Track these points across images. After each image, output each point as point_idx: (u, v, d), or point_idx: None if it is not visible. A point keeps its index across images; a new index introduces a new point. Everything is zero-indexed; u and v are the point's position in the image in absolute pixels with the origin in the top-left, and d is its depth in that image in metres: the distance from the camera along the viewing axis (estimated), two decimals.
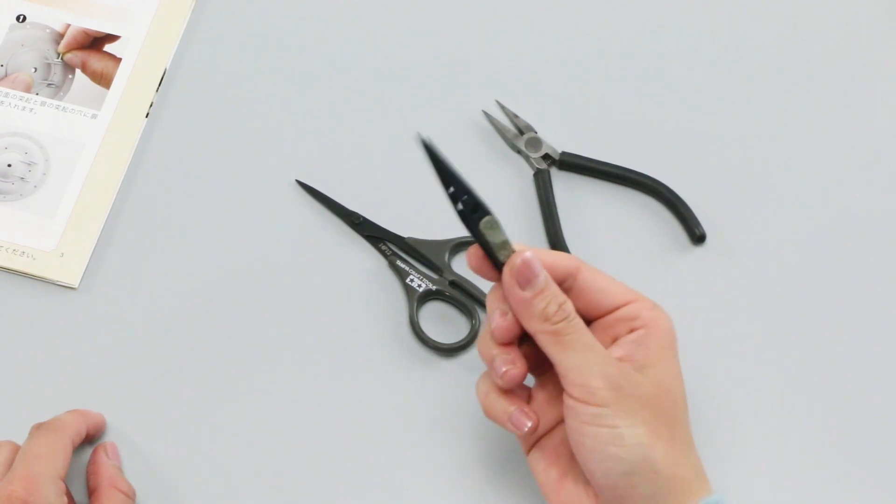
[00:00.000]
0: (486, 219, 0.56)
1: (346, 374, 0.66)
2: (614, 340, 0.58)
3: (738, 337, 0.68)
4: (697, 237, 0.69)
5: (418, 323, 0.67)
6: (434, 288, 0.68)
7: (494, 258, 0.57)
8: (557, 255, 0.58)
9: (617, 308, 0.58)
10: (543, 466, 0.58)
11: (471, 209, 0.56)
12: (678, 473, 0.55)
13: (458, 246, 0.69)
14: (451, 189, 0.56)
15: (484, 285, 0.68)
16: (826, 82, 0.75)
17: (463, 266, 0.69)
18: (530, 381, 0.59)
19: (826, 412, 0.66)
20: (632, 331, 0.57)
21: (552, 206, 0.70)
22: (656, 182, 0.70)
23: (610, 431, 0.55)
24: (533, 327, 0.56)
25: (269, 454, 0.64)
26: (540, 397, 0.59)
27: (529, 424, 0.57)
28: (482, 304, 0.67)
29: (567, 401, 0.56)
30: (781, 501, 0.64)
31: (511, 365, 0.57)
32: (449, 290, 0.68)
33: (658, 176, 0.70)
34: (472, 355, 0.67)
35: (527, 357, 0.58)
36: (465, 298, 0.68)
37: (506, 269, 0.57)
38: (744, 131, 0.73)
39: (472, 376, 0.66)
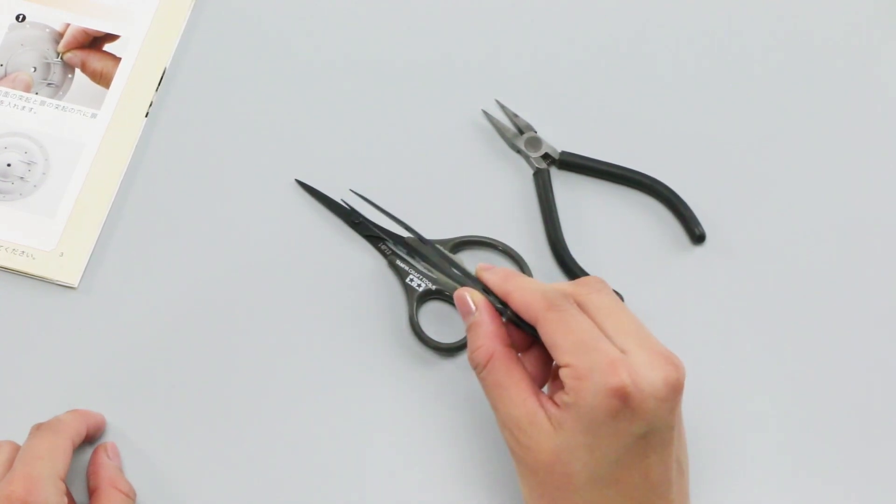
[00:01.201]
0: (433, 268, 0.62)
1: (345, 373, 0.66)
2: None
3: (737, 337, 0.68)
4: (697, 237, 0.69)
5: (418, 323, 0.67)
6: (434, 288, 0.68)
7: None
8: (527, 300, 0.57)
9: (559, 367, 0.56)
10: None
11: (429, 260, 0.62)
12: None
13: (458, 245, 0.69)
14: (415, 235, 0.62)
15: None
16: (826, 82, 0.75)
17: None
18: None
19: (826, 412, 0.66)
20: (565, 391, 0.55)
21: (552, 205, 0.70)
22: (656, 182, 0.70)
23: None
24: None
25: (268, 454, 0.64)
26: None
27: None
28: None
29: None
30: (784, 500, 0.64)
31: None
32: (449, 290, 0.68)
33: (658, 176, 0.70)
34: None
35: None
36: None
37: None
38: (744, 131, 0.73)
39: (472, 376, 0.66)
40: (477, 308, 0.59)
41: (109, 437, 0.64)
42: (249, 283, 0.68)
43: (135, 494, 0.62)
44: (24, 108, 0.73)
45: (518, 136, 0.72)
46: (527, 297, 0.57)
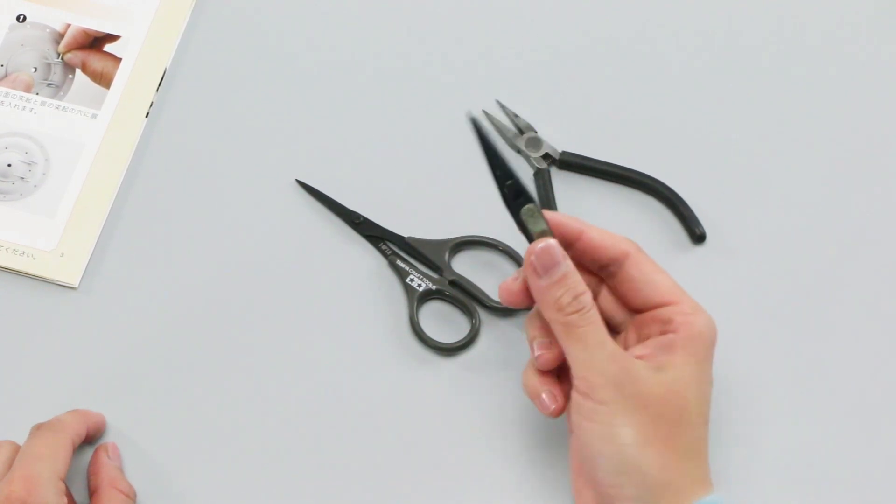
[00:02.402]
0: (527, 207, 0.57)
1: (345, 373, 0.66)
2: (646, 339, 0.58)
3: (737, 337, 0.67)
4: (697, 237, 0.69)
5: (418, 323, 0.67)
6: (434, 287, 0.68)
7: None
8: (608, 238, 0.58)
9: (655, 307, 0.58)
10: (572, 450, 0.59)
11: (514, 195, 0.58)
12: (670, 479, 0.55)
13: (458, 245, 0.69)
14: (498, 172, 0.58)
15: (485, 285, 0.68)
16: (827, 82, 0.75)
17: (463, 266, 0.69)
18: None
19: (827, 412, 0.66)
20: (663, 333, 0.57)
21: (552, 205, 0.70)
22: (656, 182, 0.70)
23: (603, 429, 0.55)
24: (548, 315, 0.57)
25: (268, 454, 0.64)
26: None
27: (552, 407, 0.59)
28: (482, 304, 0.67)
29: (571, 393, 0.57)
30: (787, 500, 0.64)
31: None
32: (449, 290, 0.68)
33: (658, 176, 0.70)
34: (471, 355, 0.67)
35: None
36: (465, 298, 0.68)
37: (527, 254, 0.57)
38: (744, 131, 0.73)
39: (472, 376, 0.66)
40: (566, 256, 0.57)
41: (109, 437, 0.64)
42: (249, 284, 0.68)
43: (135, 494, 0.62)
44: (24, 108, 0.73)
45: (518, 136, 0.72)
46: (611, 236, 0.59)
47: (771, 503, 0.63)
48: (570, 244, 0.59)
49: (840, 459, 0.65)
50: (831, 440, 0.65)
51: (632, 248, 0.58)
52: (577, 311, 0.56)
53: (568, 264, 0.57)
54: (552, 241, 0.57)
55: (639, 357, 0.56)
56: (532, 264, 0.57)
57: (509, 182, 0.58)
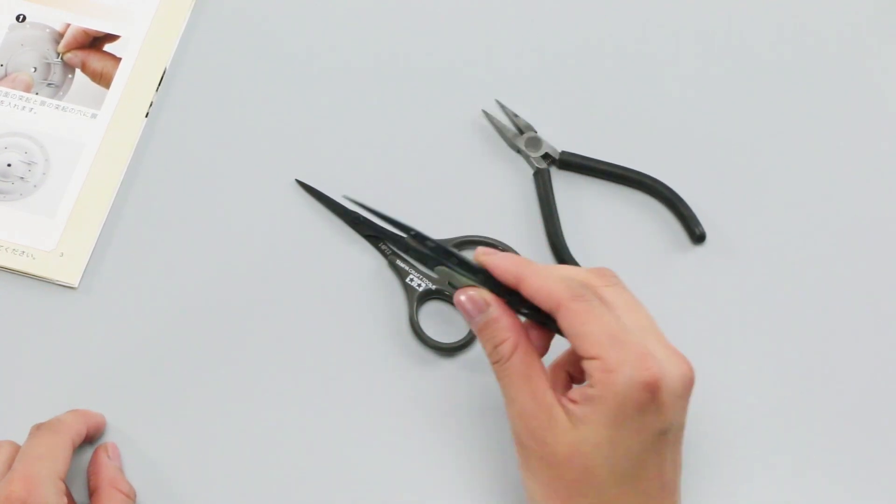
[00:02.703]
0: (438, 269, 0.58)
1: (345, 373, 0.66)
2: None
3: (737, 337, 0.68)
4: (697, 237, 0.69)
5: (418, 322, 0.67)
6: (434, 287, 0.68)
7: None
8: (542, 289, 0.55)
9: (584, 359, 0.54)
10: None
11: (437, 252, 0.58)
12: None
13: (458, 245, 0.69)
14: (397, 228, 0.59)
15: None
16: (827, 82, 0.75)
17: None
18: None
19: (827, 411, 0.66)
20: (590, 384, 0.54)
21: (552, 205, 0.70)
22: (656, 181, 0.70)
23: (522, 473, 0.57)
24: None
25: (268, 454, 0.64)
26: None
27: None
28: None
29: None
30: (785, 499, 0.64)
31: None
32: (449, 290, 0.68)
33: (658, 176, 0.70)
34: (471, 355, 0.67)
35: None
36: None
37: (454, 297, 0.58)
38: (744, 131, 0.73)
39: (471, 376, 0.66)
40: (490, 304, 0.57)
41: (109, 437, 0.64)
42: (249, 283, 0.68)
43: (135, 494, 0.62)
44: (24, 108, 0.73)
45: (518, 136, 0.72)
46: (547, 284, 0.55)
47: None
48: (517, 288, 0.57)
49: (840, 458, 0.65)
50: (832, 439, 0.65)
51: (564, 298, 0.54)
52: (496, 362, 0.56)
53: (490, 312, 0.56)
54: (471, 293, 0.57)
55: (570, 400, 0.54)
56: (460, 305, 0.57)
57: (412, 233, 0.58)
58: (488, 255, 0.57)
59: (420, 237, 0.58)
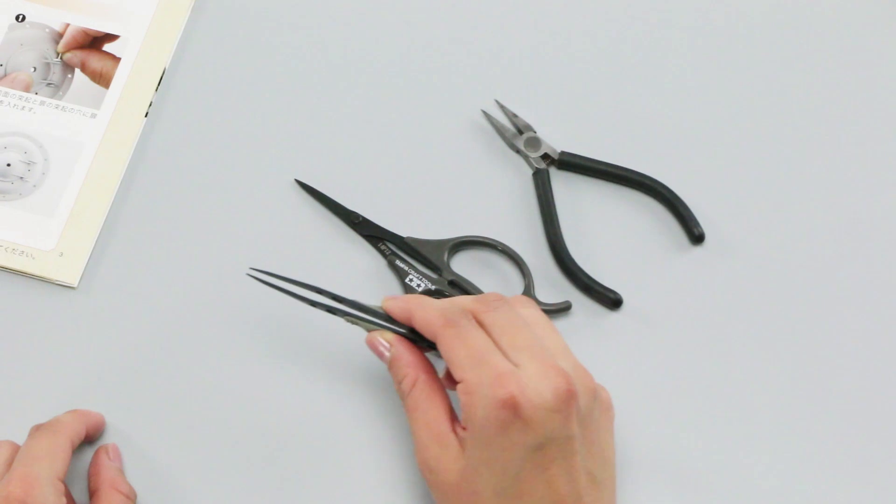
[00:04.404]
0: (345, 319, 0.62)
1: (345, 373, 0.66)
2: None
3: (737, 337, 0.68)
4: (696, 237, 0.69)
5: None
6: (433, 287, 0.68)
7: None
8: (424, 323, 0.58)
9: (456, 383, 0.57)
10: None
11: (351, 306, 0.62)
12: None
13: (457, 246, 0.69)
14: (313, 292, 0.62)
15: (484, 285, 0.68)
16: (827, 83, 0.75)
17: (462, 266, 0.69)
18: None
19: (826, 411, 0.66)
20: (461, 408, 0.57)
21: (551, 205, 0.70)
22: (656, 182, 0.70)
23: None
24: None
25: (268, 454, 0.64)
26: None
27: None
28: None
29: None
30: (785, 499, 0.64)
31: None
32: (448, 290, 0.68)
33: (658, 176, 0.70)
34: None
35: None
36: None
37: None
38: (744, 131, 0.73)
39: None
40: (391, 344, 0.60)
41: (109, 438, 0.64)
42: (249, 283, 0.68)
43: (135, 495, 0.62)
44: (23, 107, 0.73)
45: (517, 136, 0.72)
46: (426, 315, 0.58)
47: None
48: (411, 325, 0.60)
49: (840, 457, 0.65)
50: (831, 438, 0.65)
51: (438, 327, 0.57)
52: (401, 398, 0.59)
53: (393, 352, 0.60)
54: (374, 335, 0.61)
55: (462, 426, 0.56)
56: (370, 348, 0.61)
57: (324, 293, 0.62)
58: (388, 299, 0.61)
59: (334, 296, 0.62)
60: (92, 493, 0.61)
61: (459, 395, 0.56)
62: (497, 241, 0.69)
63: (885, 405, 0.66)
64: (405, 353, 0.60)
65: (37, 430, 0.60)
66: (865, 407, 0.66)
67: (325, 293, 0.62)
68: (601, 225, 0.70)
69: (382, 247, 0.69)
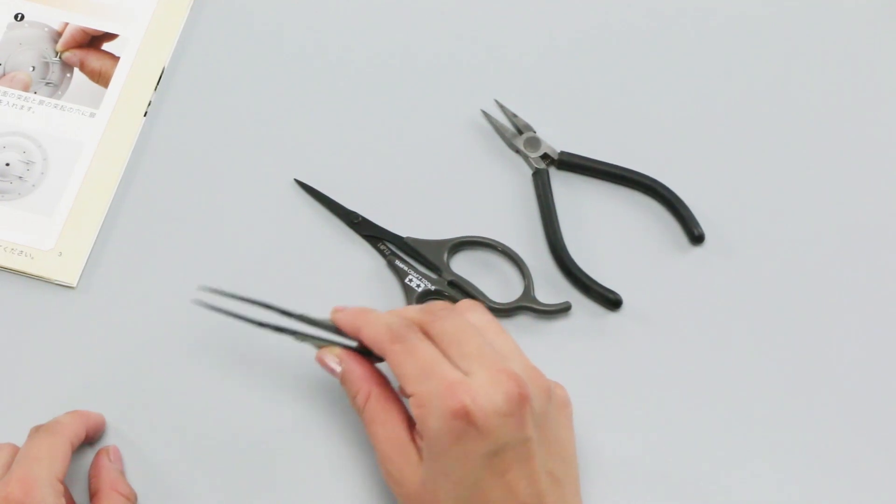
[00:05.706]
0: (299, 339, 0.62)
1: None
2: None
3: (736, 337, 0.68)
4: (696, 237, 0.69)
5: None
6: (433, 288, 0.68)
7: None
8: (372, 339, 0.58)
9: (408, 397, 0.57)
10: None
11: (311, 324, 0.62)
12: None
13: (457, 246, 0.69)
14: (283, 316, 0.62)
15: (483, 286, 0.68)
16: (827, 83, 0.75)
17: (462, 266, 0.69)
18: None
19: (826, 411, 0.66)
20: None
21: (551, 205, 0.70)
22: (655, 182, 0.70)
23: None
24: None
25: (269, 455, 0.64)
26: None
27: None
28: None
29: None
30: (786, 499, 0.64)
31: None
32: (448, 290, 0.68)
33: (657, 176, 0.70)
34: None
35: None
36: (463, 298, 0.67)
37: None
38: (744, 131, 0.73)
39: None
40: (340, 360, 0.60)
41: (109, 438, 0.64)
42: (248, 283, 0.68)
43: (135, 497, 0.62)
44: (22, 107, 0.73)
45: (517, 135, 0.72)
46: (373, 332, 0.58)
47: None
48: (359, 340, 0.60)
49: (839, 458, 0.65)
50: (831, 438, 0.65)
51: (385, 342, 0.57)
52: (357, 412, 0.60)
53: (343, 367, 0.60)
54: (323, 352, 0.61)
55: (421, 436, 0.56)
56: (320, 365, 0.61)
57: (273, 308, 0.62)
58: (336, 311, 0.61)
59: (282, 311, 0.62)
60: (92, 494, 0.61)
61: (412, 409, 0.56)
62: (497, 242, 0.69)
63: (886, 406, 0.66)
64: (356, 368, 0.60)
65: (36, 431, 0.60)
66: (865, 407, 0.66)
67: (273, 308, 0.62)
68: (601, 225, 0.70)
69: (382, 247, 0.69)
